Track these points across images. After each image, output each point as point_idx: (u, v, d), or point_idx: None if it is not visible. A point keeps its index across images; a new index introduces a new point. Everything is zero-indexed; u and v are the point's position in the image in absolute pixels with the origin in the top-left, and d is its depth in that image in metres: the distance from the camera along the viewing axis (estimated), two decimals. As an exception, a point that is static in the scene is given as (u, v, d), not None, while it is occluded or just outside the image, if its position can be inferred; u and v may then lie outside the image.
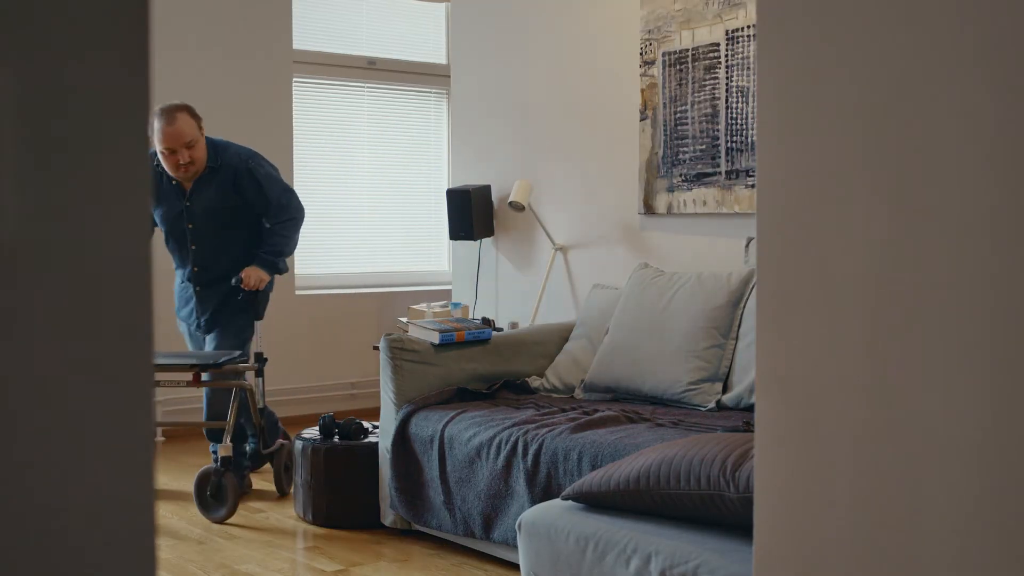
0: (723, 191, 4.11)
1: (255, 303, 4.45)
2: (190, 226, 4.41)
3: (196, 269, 4.46)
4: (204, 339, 4.60)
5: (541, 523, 2.54)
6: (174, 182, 4.37)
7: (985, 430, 1.05)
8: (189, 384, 4.23)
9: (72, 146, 0.57)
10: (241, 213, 4.43)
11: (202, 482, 4.16)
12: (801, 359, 1.19)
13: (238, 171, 4.39)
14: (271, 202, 4.41)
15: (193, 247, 4.43)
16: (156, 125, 4.23)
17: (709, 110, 4.15)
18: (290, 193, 4.49)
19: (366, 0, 6.60)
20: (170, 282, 5.66)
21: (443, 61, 6.80)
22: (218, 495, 4.11)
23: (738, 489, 2.23)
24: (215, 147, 4.42)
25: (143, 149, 0.60)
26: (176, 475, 4.87)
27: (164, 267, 5.57)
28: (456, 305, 4.96)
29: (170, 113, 4.26)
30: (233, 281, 4.36)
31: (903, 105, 1.11)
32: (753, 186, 4.02)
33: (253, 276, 4.36)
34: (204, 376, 4.29)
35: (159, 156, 4.27)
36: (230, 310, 4.49)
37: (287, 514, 4.19)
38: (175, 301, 4.63)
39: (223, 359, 4.23)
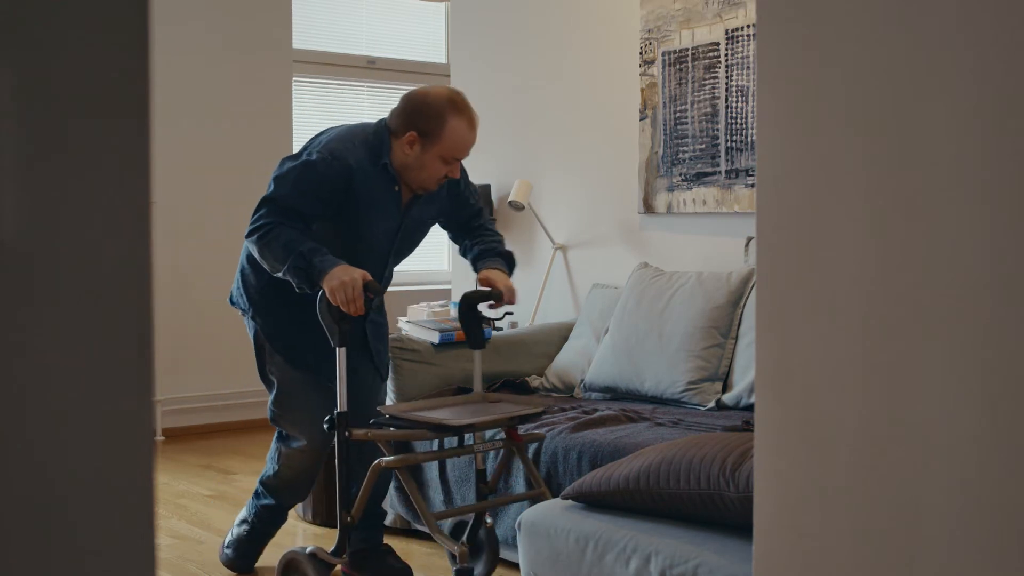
0: (723, 190, 4.11)
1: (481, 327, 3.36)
2: (394, 246, 3.30)
3: (371, 296, 3.15)
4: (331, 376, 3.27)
5: (541, 522, 2.54)
6: (397, 188, 3.19)
7: (984, 429, 1.05)
8: (497, 446, 3.14)
9: (72, 146, 0.57)
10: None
11: None
12: (801, 359, 1.19)
13: (460, 178, 3.37)
14: (478, 205, 3.50)
15: (386, 272, 3.33)
16: (450, 122, 3.12)
17: (709, 109, 4.15)
18: None
19: None
20: (167, 281, 5.66)
21: (443, 60, 6.80)
22: None
23: (738, 489, 2.23)
24: None
25: (144, 148, 0.60)
26: (176, 475, 4.87)
27: (163, 267, 5.57)
28: (456, 305, 4.96)
29: (470, 111, 3.17)
30: (491, 303, 3.30)
31: (902, 104, 1.11)
32: (753, 185, 4.01)
33: (510, 283, 3.31)
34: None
35: (429, 160, 3.13)
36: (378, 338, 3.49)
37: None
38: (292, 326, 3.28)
39: (540, 406, 3.17)
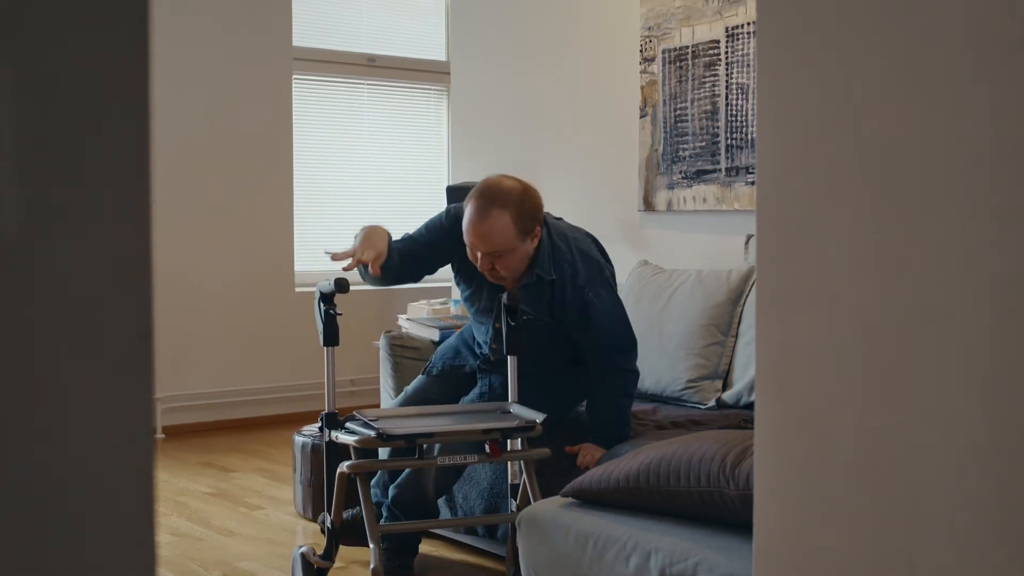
0: (723, 188, 4.11)
1: None
2: (492, 316, 3.24)
3: (495, 346, 3.24)
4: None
5: (541, 521, 2.54)
6: None
7: (984, 429, 1.05)
8: (470, 461, 2.94)
9: (72, 146, 0.57)
10: (567, 343, 3.30)
11: None
12: (800, 357, 1.19)
13: (568, 294, 3.17)
14: (599, 339, 3.22)
15: (496, 326, 3.20)
16: (467, 207, 3.06)
17: (709, 107, 4.15)
18: (629, 333, 3.30)
19: (366, -3, 6.60)
20: (167, 280, 5.66)
21: (443, 58, 6.79)
22: None
23: (738, 487, 2.23)
24: (555, 257, 3.16)
25: (144, 147, 0.60)
26: (176, 473, 4.88)
27: (162, 267, 5.57)
28: (456, 302, 4.96)
29: (487, 203, 3.03)
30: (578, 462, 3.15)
31: (903, 102, 1.11)
32: (753, 183, 4.01)
33: (588, 456, 3.14)
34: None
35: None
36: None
37: (287, 512, 4.19)
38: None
39: (534, 413, 2.86)
